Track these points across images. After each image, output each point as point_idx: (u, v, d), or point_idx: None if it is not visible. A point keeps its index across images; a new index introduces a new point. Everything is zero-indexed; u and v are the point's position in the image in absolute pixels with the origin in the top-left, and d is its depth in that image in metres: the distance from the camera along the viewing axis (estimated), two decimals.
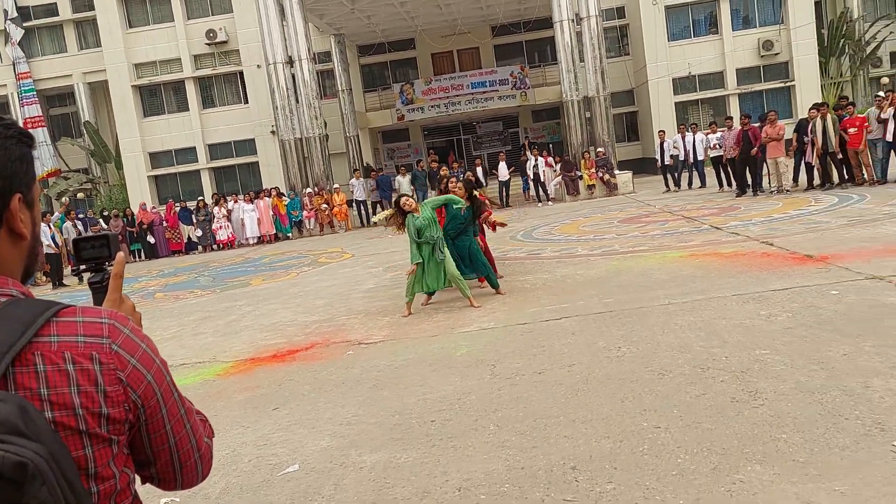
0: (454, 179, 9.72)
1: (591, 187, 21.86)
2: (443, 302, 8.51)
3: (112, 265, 1.24)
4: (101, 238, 1.19)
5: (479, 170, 22.29)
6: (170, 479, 1.13)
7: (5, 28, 31.57)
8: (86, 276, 1.26)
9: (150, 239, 22.56)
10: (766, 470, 3.27)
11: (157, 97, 31.62)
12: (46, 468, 0.85)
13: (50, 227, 17.57)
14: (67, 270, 18.94)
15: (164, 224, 22.72)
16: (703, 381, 4.54)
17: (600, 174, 21.75)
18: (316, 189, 22.59)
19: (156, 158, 31.57)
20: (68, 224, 19.35)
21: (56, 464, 0.87)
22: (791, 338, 5.18)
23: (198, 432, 1.15)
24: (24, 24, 31.83)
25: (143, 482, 1.15)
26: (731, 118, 17.21)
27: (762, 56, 29.78)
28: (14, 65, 31.82)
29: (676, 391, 4.43)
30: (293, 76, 23.02)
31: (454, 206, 8.41)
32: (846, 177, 14.64)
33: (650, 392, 4.47)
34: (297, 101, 23.12)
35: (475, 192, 8.81)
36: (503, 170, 22.72)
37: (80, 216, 22.21)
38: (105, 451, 0.98)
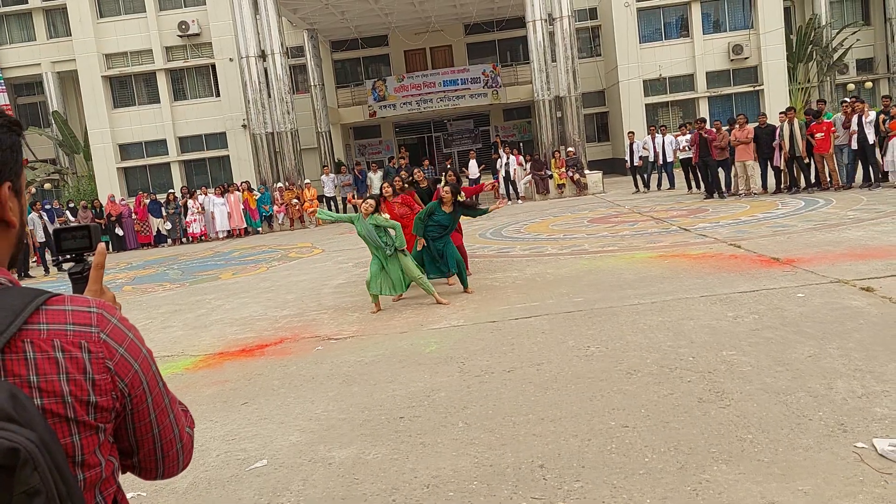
0: (444, 182, 9.66)
1: (560, 187, 21.99)
2: (412, 298, 8.50)
3: (93, 256, 1.24)
4: (82, 229, 1.20)
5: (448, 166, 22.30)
6: (151, 468, 1.14)
7: None
8: (66, 266, 1.25)
9: (119, 231, 22.21)
10: (732, 469, 3.32)
11: (127, 88, 31.08)
12: (38, 454, 0.85)
13: None
14: (32, 262, 18.60)
15: (133, 216, 22.39)
16: (671, 380, 4.60)
17: (570, 174, 21.89)
18: (287, 184, 22.43)
19: (125, 150, 31.06)
20: (34, 215, 18.97)
21: (47, 450, 0.87)
22: (757, 339, 5.26)
23: (180, 422, 1.16)
24: None
25: (125, 471, 1.15)
26: (702, 120, 17.41)
27: (732, 60, 30.20)
28: None
29: (644, 390, 4.47)
30: (265, 70, 22.80)
31: (438, 214, 8.41)
32: (812, 181, 14.92)
33: (618, 391, 4.52)
34: (269, 95, 22.92)
35: (459, 196, 8.78)
36: (473, 168, 22.76)
37: (47, 207, 21.79)
38: (92, 438, 0.99)
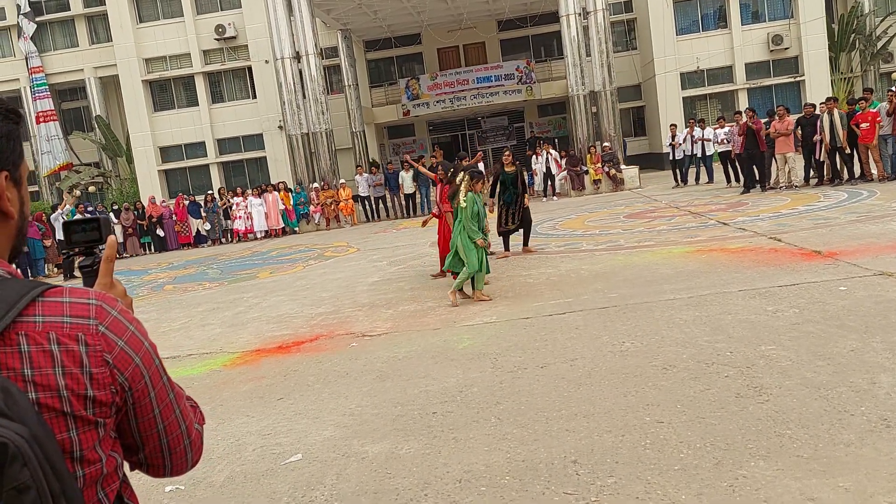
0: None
1: (596, 182, 21.79)
2: (443, 296, 8.48)
3: (103, 249, 1.22)
4: (92, 221, 1.16)
5: (481, 165, 22.21)
6: (158, 464, 1.11)
7: (18, 23, 31.69)
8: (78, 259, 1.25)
9: (160, 232, 22.67)
10: (770, 465, 3.25)
11: (167, 92, 31.67)
12: (28, 449, 0.83)
13: (63, 219, 17.76)
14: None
15: (174, 217, 22.82)
16: (708, 376, 4.52)
17: (606, 169, 21.68)
18: (322, 184, 22.62)
19: (166, 153, 31.65)
20: (78, 216, 19.43)
21: (39, 446, 0.85)
22: (797, 333, 5.15)
23: (188, 418, 1.13)
24: (37, 19, 31.92)
25: (132, 468, 1.12)
26: (739, 113, 17.08)
27: (771, 51, 29.61)
28: (27, 59, 31.93)
29: (680, 386, 4.41)
30: (300, 71, 23.02)
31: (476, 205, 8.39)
32: (856, 173, 14.54)
33: (653, 387, 4.46)
34: (304, 96, 23.13)
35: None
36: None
37: (90, 209, 22.31)
38: (91, 434, 0.96)
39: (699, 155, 20.25)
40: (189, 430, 1.12)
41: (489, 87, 30.67)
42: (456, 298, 7.87)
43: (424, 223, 10.84)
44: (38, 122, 31.61)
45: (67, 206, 19.91)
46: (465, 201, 7.90)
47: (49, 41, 32.74)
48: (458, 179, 8.39)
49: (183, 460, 1.13)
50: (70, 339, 0.95)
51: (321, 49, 24.07)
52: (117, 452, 1.03)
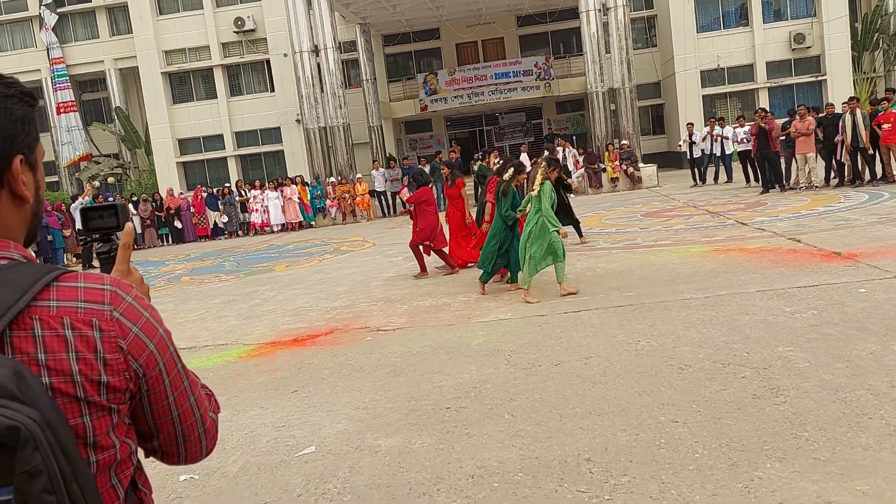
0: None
1: (614, 180, 21.68)
2: (458, 292, 8.48)
3: (120, 235, 1.21)
4: (109, 208, 1.15)
5: (524, 156, 22.21)
6: (173, 452, 1.11)
7: (40, 14, 31.95)
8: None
9: (178, 224, 22.82)
10: (786, 467, 3.22)
11: (186, 84, 31.84)
12: (40, 434, 0.83)
13: None
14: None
15: (191, 209, 22.97)
16: (724, 376, 4.49)
17: (624, 167, 21.55)
18: (339, 178, 22.66)
19: (184, 145, 31.84)
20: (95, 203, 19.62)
21: (51, 430, 0.85)
22: (816, 335, 5.10)
23: (202, 406, 1.12)
24: (58, 10, 32.19)
25: (147, 455, 1.12)
26: (764, 110, 16.87)
27: (793, 49, 29.28)
28: (48, 50, 32.19)
29: (696, 386, 4.38)
30: (318, 65, 23.05)
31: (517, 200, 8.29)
32: (878, 173, 14.36)
33: (669, 386, 4.43)
34: (322, 90, 23.16)
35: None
36: (525, 161, 22.58)
37: (109, 199, 22.51)
38: (104, 419, 0.96)
39: (718, 154, 20.07)
40: (203, 417, 1.12)
41: (507, 82, 30.57)
42: (566, 289, 7.48)
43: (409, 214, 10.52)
44: (58, 113, 31.88)
45: (87, 196, 20.10)
46: (541, 189, 7.53)
47: (70, 32, 33.00)
48: (506, 174, 8.31)
49: (197, 448, 1.12)
50: (84, 324, 0.95)
51: (339, 43, 24.10)
52: (131, 439, 1.03)
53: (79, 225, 12.21)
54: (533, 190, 7.67)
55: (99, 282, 0.99)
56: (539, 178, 7.67)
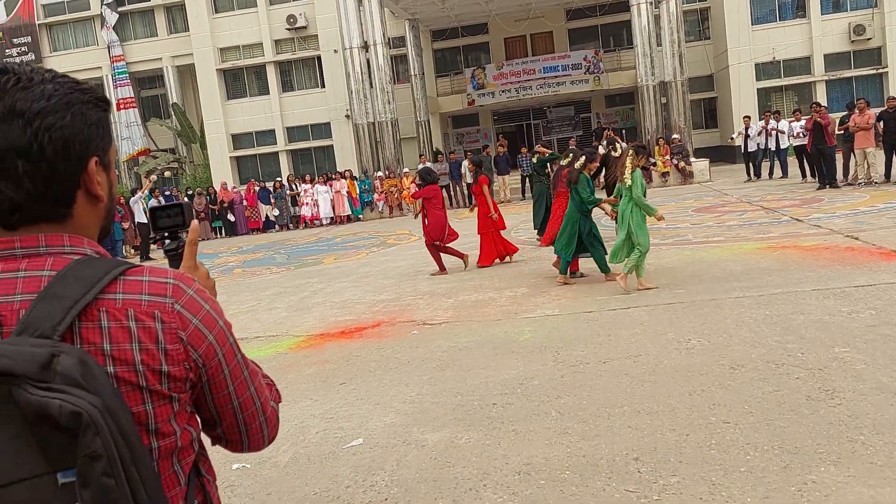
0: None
1: (665, 175, 21.34)
2: (505, 287, 8.47)
3: (187, 233, 1.26)
4: (176, 207, 1.21)
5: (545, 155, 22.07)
6: (236, 440, 1.15)
7: (101, 13, 33.01)
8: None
9: (231, 217, 23.32)
10: (841, 471, 3.15)
11: (239, 81, 32.44)
12: (101, 419, 0.87)
13: (142, 203, 18.59)
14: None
15: (244, 203, 23.42)
16: (777, 377, 4.39)
17: (675, 161, 21.20)
18: (387, 172, 22.83)
19: (237, 140, 32.46)
20: (154, 201, 20.19)
21: (111, 416, 0.88)
22: (874, 336, 4.95)
23: (262, 395, 1.16)
24: (119, 10, 33.19)
25: (213, 443, 1.17)
26: (818, 104, 16.39)
27: (853, 41, 28.36)
28: (109, 48, 33.21)
29: (748, 386, 4.30)
30: (368, 61, 23.23)
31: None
32: None
33: (720, 386, 4.36)
34: (371, 85, 23.34)
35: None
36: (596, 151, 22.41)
37: (166, 193, 23.15)
38: (165, 407, 1.00)
39: (773, 148, 19.59)
40: (264, 406, 1.16)
41: (556, 76, 30.30)
42: (627, 283, 7.32)
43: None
44: (118, 109, 32.84)
45: (146, 190, 20.70)
46: (632, 178, 7.42)
47: (130, 31, 33.91)
48: (577, 164, 8.24)
49: (259, 436, 1.16)
50: (147, 316, 0.99)
51: (389, 39, 24.22)
52: (193, 427, 1.08)
53: (138, 218, 12.69)
54: (622, 179, 7.53)
55: (163, 276, 1.03)
56: (628, 166, 7.52)
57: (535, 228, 11.97)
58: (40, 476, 0.88)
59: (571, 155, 8.88)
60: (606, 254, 8.02)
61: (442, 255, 10.07)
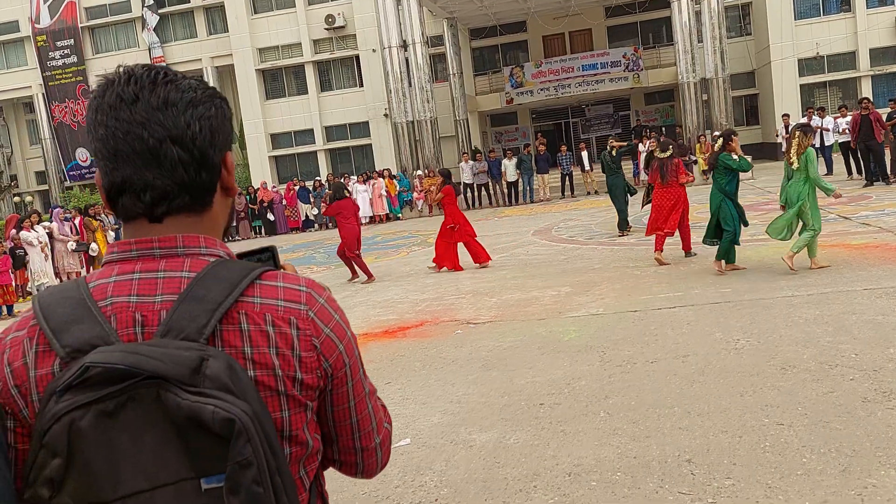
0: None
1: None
2: (548, 286, 8.43)
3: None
4: (266, 251, 1.17)
5: (585, 154, 21.98)
6: (351, 462, 1.12)
7: (142, 15, 33.70)
8: None
9: (270, 216, 23.61)
10: None
11: (278, 81, 32.82)
12: (251, 426, 0.86)
13: None
14: None
15: (284, 202, 23.68)
16: (831, 378, 4.31)
17: None
18: (426, 171, 22.88)
19: (276, 140, 32.84)
20: (253, 248, 20.50)
21: (259, 423, 0.88)
22: None
23: (378, 415, 1.13)
24: (159, 11, 33.83)
25: (325, 466, 1.13)
26: (865, 101, 15.98)
27: None
28: (150, 49, 33.91)
29: (801, 387, 4.23)
30: (407, 60, 23.32)
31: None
32: None
33: (772, 387, 4.29)
34: (409, 84, 23.43)
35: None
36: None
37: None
38: (300, 415, 1.00)
39: (817, 145, 19.16)
40: (379, 426, 1.13)
41: (595, 74, 30.07)
42: (792, 262, 7.28)
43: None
44: None
45: None
46: (807, 158, 7.33)
47: (170, 32, 34.53)
48: (716, 146, 8.31)
49: (374, 459, 1.13)
50: (283, 321, 0.98)
51: (427, 38, 24.29)
52: (319, 436, 1.06)
53: None
54: (792, 162, 7.45)
55: (296, 283, 1.03)
56: (795, 147, 7.42)
57: (618, 225, 12.02)
58: (185, 480, 0.87)
59: (671, 148, 9.08)
60: (738, 244, 7.90)
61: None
